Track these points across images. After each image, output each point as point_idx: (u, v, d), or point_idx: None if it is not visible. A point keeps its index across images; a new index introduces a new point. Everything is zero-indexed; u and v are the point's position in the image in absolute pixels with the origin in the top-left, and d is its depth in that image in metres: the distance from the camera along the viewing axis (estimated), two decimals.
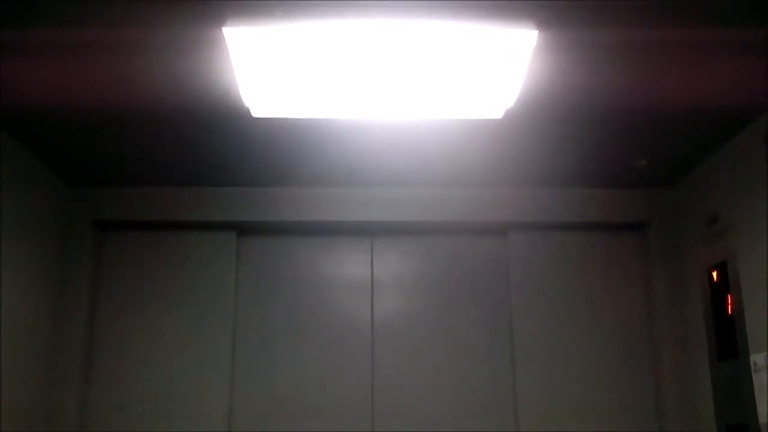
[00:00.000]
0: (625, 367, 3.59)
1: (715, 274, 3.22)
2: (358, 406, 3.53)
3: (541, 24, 2.21)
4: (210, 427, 3.44)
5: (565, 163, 3.36)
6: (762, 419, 2.82)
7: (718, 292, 3.19)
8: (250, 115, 2.79)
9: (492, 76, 2.48)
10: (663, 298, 3.58)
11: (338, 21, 2.18)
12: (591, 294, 3.67)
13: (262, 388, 3.54)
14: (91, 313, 3.55)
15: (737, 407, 3.01)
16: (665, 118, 2.87)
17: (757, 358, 2.86)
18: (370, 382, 3.56)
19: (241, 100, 2.67)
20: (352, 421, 3.50)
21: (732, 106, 2.77)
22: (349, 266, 3.73)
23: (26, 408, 3.12)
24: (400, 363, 3.59)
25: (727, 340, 3.10)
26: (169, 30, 2.23)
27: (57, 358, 3.40)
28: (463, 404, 3.54)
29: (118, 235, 3.69)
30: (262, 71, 2.45)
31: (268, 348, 3.58)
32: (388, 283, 3.71)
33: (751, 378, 2.89)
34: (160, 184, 3.60)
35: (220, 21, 2.19)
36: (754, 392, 2.88)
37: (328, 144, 3.12)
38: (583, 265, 3.72)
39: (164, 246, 3.68)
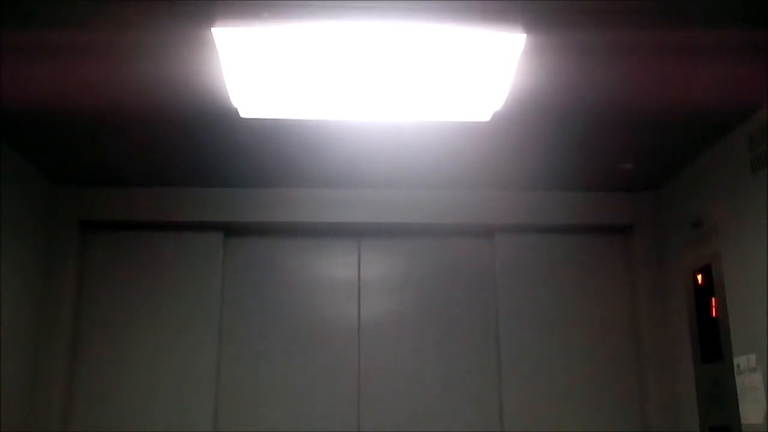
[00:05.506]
0: (609, 368, 3.61)
1: (699, 277, 3.24)
2: (345, 406, 3.52)
3: (529, 27, 2.22)
4: (196, 427, 3.42)
5: (552, 166, 3.38)
6: (744, 421, 2.85)
7: (703, 295, 3.21)
8: (239, 115, 2.79)
9: (480, 79, 2.49)
10: (648, 300, 3.60)
11: (326, 23, 2.18)
12: (576, 296, 3.69)
13: (248, 389, 3.53)
14: (75, 313, 3.53)
15: (720, 409, 3.03)
16: (651, 121, 2.89)
17: (740, 361, 2.89)
18: (357, 382, 3.56)
19: (229, 100, 2.67)
20: (339, 421, 3.50)
21: (717, 109, 2.79)
22: (336, 267, 3.73)
23: (9, 408, 3.10)
24: (386, 364, 3.59)
25: (712, 343, 3.12)
26: (157, 30, 2.23)
27: (41, 359, 3.37)
28: (449, 405, 3.54)
29: (104, 235, 3.67)
30: (250, 72, 2.44)
31: (254, 348, 3.57)
32: (375, 285, 3.71)
33: (735, 380, 2.92)
34: (147, 185, 3.58)
35: (209, 21, 2.18)
36: (737, 394, 2.90)
37: (316, 145, 3.12)
38: (568, 267, 3.73)
39: (150, 246, 3.66)
